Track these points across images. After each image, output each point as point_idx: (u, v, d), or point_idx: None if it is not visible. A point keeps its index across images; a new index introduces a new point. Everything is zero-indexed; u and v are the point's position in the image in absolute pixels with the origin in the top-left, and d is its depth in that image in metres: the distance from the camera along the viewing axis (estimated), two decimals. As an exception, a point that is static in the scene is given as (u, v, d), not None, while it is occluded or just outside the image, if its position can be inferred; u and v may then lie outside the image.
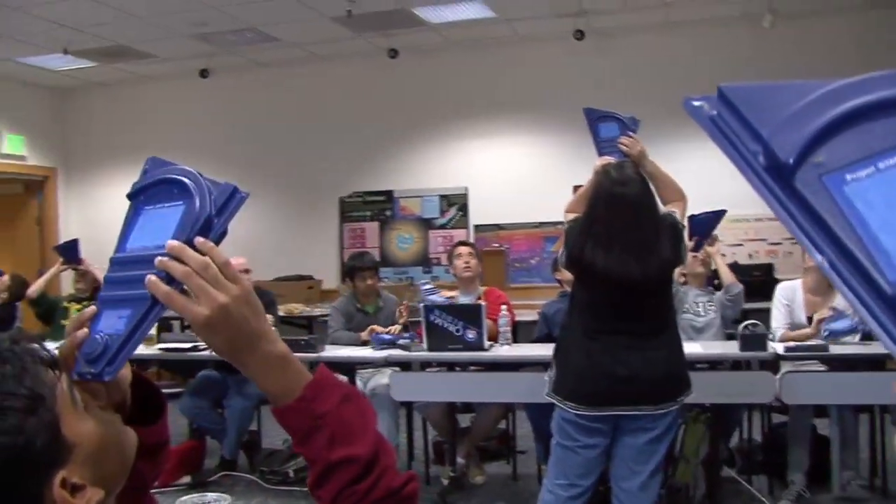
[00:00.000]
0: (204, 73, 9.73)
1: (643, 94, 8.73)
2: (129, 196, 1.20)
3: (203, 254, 1.03)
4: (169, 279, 1.03)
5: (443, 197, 9.36)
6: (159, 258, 1.03)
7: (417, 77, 9.40)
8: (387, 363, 5.47)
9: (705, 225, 6.14)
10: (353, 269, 6.47)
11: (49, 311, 7.47)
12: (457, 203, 9.30)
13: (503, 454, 6.30)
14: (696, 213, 6.24)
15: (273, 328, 1.10)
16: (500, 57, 9.15)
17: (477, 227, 9.10)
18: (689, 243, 6.03)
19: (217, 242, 1.07)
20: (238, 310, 1.03)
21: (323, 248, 9.48)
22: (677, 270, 5.98)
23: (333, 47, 9.15)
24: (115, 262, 1.14)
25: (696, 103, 0.72)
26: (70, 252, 7.40)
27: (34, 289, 7.42)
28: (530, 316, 7.30)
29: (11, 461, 0.92)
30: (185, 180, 1.12)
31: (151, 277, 1.03)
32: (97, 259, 8.02)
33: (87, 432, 1.01)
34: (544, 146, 9.13)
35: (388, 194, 9.56)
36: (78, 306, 7.24)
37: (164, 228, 1.10)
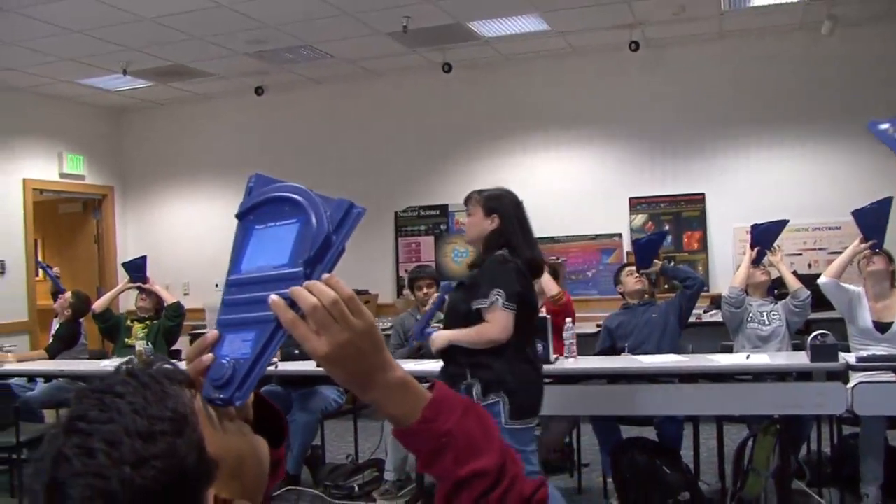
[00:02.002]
0: (259, 91, 9.82)
1: (699, 106, 8.70)
2: (238, 216, 1.17)
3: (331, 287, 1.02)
4: (291, 303, 1.02)
5: (498, 210, 9.33)
6: (293, 288, 1.01)
7: (471, 91, 9.41)
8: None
9: (767, 235, 6.09)
10: (412, 279, 6.54)
11: (113, 327, 7.55)
12: (512, 216, 9.27)
13: (566, 467, 6.28)
14: (759, 222, 6.20)
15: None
16: (553, 70, 9.14)
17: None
18: (750, 253, 6.01)
19: (336, 261, 1.06)
20: (358, 346, 1.02)
21: (379, 262, 9.51)
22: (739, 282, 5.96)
23: (387, 63, 9.20)
24: (231, 285, 1.12)
25: (883, 126, 0.71)
26: (138, 270, 7.49)
27: (100, 303, 7.51)
28: (588, 328, 7.28)
29: (169, 484, 0.92)
30: (297, 197, 1.10)
31: (275, 299, 1.02)
32: (155, 274, 8.13)
33: (226, 447, 1.02)
34: (599, 158, 9.10)
35: (443, 208, 9.57)
36: (140, 325, 7.33)
37: (279, 248, 1.08)
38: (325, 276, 1.03)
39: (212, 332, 1.10)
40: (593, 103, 9.04)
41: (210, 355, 1.07)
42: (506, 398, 3.99)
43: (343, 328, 1.01)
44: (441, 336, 4.23)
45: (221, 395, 1.03)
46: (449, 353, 4.22)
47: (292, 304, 1.02)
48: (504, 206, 4.24)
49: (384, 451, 6.09)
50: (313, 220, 1.07)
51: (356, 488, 5.96)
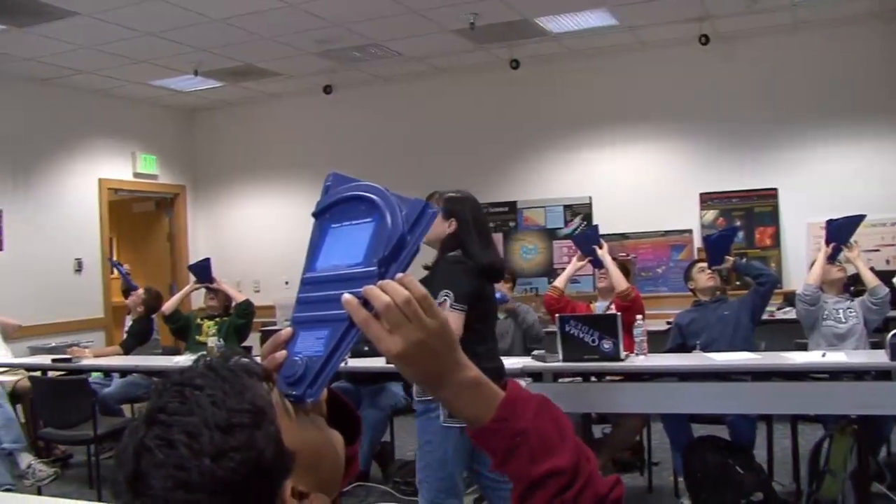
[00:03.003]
0: (328, 90, 9.90)
1: (771, 99, 8.55)
2: (315, 214, 1.18)
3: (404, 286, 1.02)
4: (365, 302, 1.02)
5: (566, 207, 9.30)
6: (366, 287, 1.02)
7: (539, 87, 9.37)
8: (522, 374, 5.45)
9: (843, 230, 5.96)
10: None
11: (183, 327, 7.67)
12: (581, 212, 9.23)
13: (636, 466, 6.21)
14: (834, 218, 6.07)
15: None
16: (622, 65, 9.05)
17: (601, 236, 9.00)
18: (826, 249, 5.89)
19: (410, 260, 1.06)
20: (431, 345, 1.03)
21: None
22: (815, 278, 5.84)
23: (455, 60, 9.21)
24: (306, 283, 1.12)
25: None
26: (203, 272, 7.59)
27: (168, 306, 7.62)
28: (658, 326, 7.20)
29: (247, 476, 0.93)
30: (373, 197, 1.10)
31: (348, 297, 1.02)
32: (225, 272, 8.25)
33: (303, 440, 1.02)
34: (669, 153, 8.99)
35: (512, 205, 9.54)
36: (211, 323, 7.44)
37: (354, 247, 1.09)
38: (399, 275, 1.03)
39: (286, 329, 1.10)
40: (662, 98, 8.94)
41: (283, 352, 1.08)
42: None
43: (416, 327, 1.01)
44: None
45: (294, 392, 1.04)
46: None
47: (366, 302, 1.02)
48: (462, 210, 4.21)
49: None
50: (388, 219, 1.07)
51: (425, 485, 5.96)
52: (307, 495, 1.00)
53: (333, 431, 1.13)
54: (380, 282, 1.02)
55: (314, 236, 1.16)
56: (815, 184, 8.38)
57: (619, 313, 5.41)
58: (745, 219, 8.61)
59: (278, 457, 0.96)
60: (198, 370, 0.99)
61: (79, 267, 9.68)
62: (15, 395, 7.12)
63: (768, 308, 6.39)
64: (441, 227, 4.17)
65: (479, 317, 4.10)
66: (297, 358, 1.06)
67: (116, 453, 0.99)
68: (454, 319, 3.95)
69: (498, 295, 5.01)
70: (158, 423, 0.95)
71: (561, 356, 5.29)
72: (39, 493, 5.97)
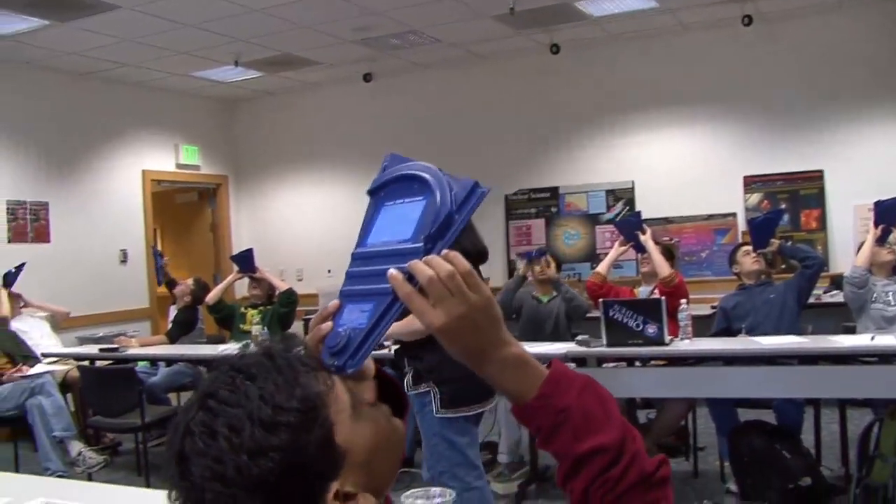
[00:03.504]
0: (367, 78, 9.91)
1: (815, 80, 8.43)
2: (370, 192, 1.20)
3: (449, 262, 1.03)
4: (410, 277, 1.03)
5: (609, 192, 9.24)
6: (411, 262, 1.03)
7: (580, 72, 9.31)
8: (566, 359, 5.43)
9: (892, 212, 5.86)
10: (531, 259, 6.55)
11: (227, 316, 7.73)
12: (623, 197, 9.17)
13: (681, 451, 6.17)
14: (882, 199, 5.97)
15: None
16: (664, 47, 8.96)
17: (644, 220, 8.93)
18: (874, 231, 5.80)
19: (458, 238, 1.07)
20: (474, 319, 1.03)
21: (489, 246, 9.40)
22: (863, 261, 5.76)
23: (495, 45, 9.16)
24: (356, 258, 1.15)
25: None
26: (245, 262, 7.63)
27: (212, 296, 7.68)
28: (703, 310, 7.14)
29: (285, 477, 0.93)
30: (426, 176, 1.12)
31: (393, 272, 1.04)
32: (268, 261, 8.30)
33: (360, 438, 1.02)
34: (712, 137, 8.89)
35: (554, 191, 9.51)
36: (254, 311, 7.49)
37: (404, 224, 1.10)
38: (444, 251, 1.04)
39: (333, 302, 1.12)
40: (705, 81, 8.83)
41: (328, 323, 1.10)
42: (436, 388, 4.07)
43: (459, 302, 1.02)
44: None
45: (335, 363, 1.06)
46: (399, 345, 4.36)
47: (411, 278, 1.03)
48: None
49: (497, 434, 6.09)
50: (438, 197, 1.08)
51: (469, 470, 5.96)
52: (353, 496, 0.99)
53: (396, 421, 1.13)
54: (425, 257, 1.03)
55: (368, 213, 1.19)
56: (862, 165, 8.25)
57: (663, 297, 5.37)
58: (790, 201, 8.50)
59: (324, 458, 0.96)
60: (256, 357, 0.99)
61: (124, 258, 9.80)
62: (65, 385, 7.23)
63: (815, 291, 6.31)
64: None
65: None
66: (340, 329, 1.08)
67: (172, 426, 1.00)
68: None
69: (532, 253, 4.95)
70: (206, 408, 0.95)
71: (605, 341, 5.27)
72: (90, 479, 6.05)
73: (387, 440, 1.08)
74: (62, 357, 7.58)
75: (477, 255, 4.32)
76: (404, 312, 1.06)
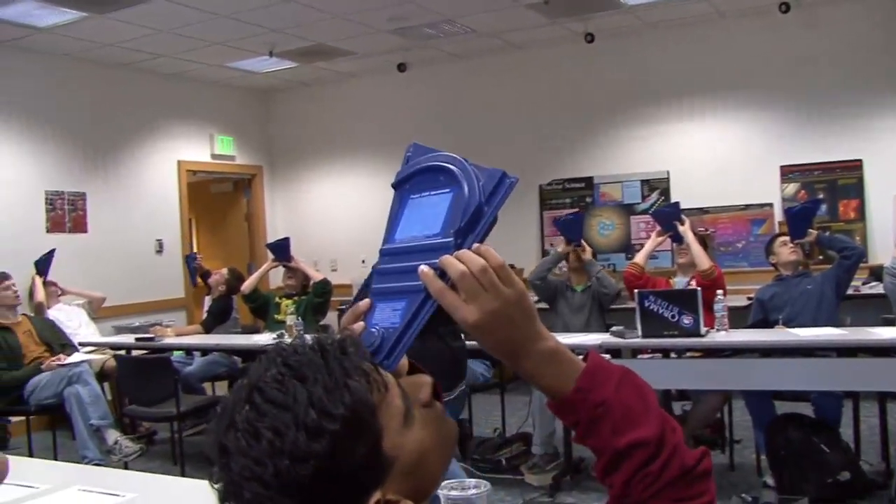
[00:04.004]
0: (401, 67, 9.91)
1: (854, 67, 8.31)
2: (394, 185, 1.17)
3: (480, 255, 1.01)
4: (441, 273, 1.01)
5: (644, 182, 9.18)
6: (442, 257, 1.01)
7: (615, 61, 9.24)
8: (600, 350, 5.39)
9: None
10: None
11: (262, 306, 7.76)
12: (658, 187, 9.10)
13: (717, 443, 6.11)
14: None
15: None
16: (699, 36, 8.87)
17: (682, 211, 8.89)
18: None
19: (488, 231, 1.05)
20: (508, 314, 1.01)
21: (523, 236, 9.46)
22: None
23: (529, 35, 9.12)
24: (385, 254, 1.12)
25: None
26: (281, 250, 7.64)
27: (247, 284, 7.72)
28: (739, 301, 7.07)
29: (325, 484, 0.91)
30: (452, 167, 1.09)
31: (424, 268, 1.02)
32: (303, 251, 8.33)
33: (410, 444, 1.00)
34: (748, 126, 8.79)
35: (588, 181, 9.46)
36: (289, 301, 7.51)
37: (432, 218, 1.08)
38: (476, 245, 1.02)
39: (364, 301, 1.10)
40: (741, 69, 8.72)
41: (361, 323, 1.08)
42: None
43: (493, 296, 1.00)
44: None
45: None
46: None
47: (443, 274, 1.01)
48: None
49: (532, 425, 6.07)
50: (466, 189, 1.06)
51: (504, 462, 5.96)
52: (396, 503, 0.97)
53: (448, 422, 1.10)
54: (456, 251, 1.01)
55: (394, 207, 1.16)
56: (903, 154, 8.13)
57: (698, 288, 5.33)
58: (828, 191, 8.40)
59: (368, 468, 0.95)
60: (309, 354, 0.97)
61: (160, 248, 9.87)
62: (102, 374, 7.30)
63: (853, 283, 6.22)
64: None
65: None
66: (373, 329, 1.06)
67: (218, 412, 1.00)
68: None
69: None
70: (253, 404, 0.94)
71: (640, 332, 5.24)
72: (126, 467, 6.10)
73: (438, 443, 1.06)
74: (99, 346, 7.66)
75: None
76: (440, 309, 1.04)
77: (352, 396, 0.94)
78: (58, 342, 7.12)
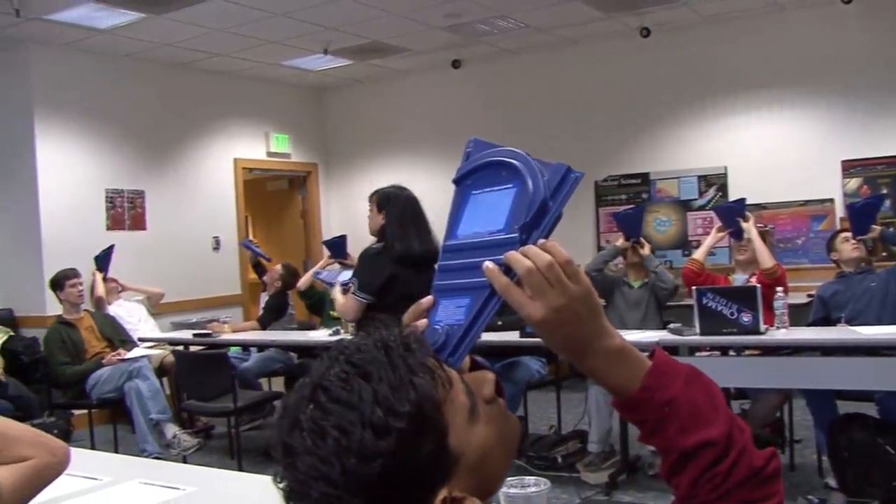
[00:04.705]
0: (456, 64, 9.91)
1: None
2: (455, 181, 1.16)
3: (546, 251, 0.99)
4: (506, 269, 1.00)
5: (701, 177, 9.06)
6: (507, 253, 1.00)
7: (671, 55, 9.13)
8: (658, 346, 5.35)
9: None
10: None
11: (318, 302, 7.81)
12: (716, 183, 8.98)
13: (776, 443, 6.02)
14: None
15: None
16: (757, 29, 8.72)
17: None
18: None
19: (553, 226, 1.04)
20: (574, 311, 0.99)
21: (579, 233, 9.39)
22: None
23: (584, 30, 9.05)
24: (447, 250, 1.11)
25: None
26: (337, 248, 7.69)
27: (303, 281, 7.78)
28: (799, 298, 6.96)
29: (391, 482, 0.91)
30: (514, 162, 1.08)
31: (489, 265, 1.01)
32: (357, 247, 8.32)
33: (476, 440, 0.99)
34: (808, 120, 8.63)
35: (644, 177, 9.37)
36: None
37: (495, 214, 1.07)
38: (541, 241, 1.01)
39: (427, 298, 1.10)
40: (801, 62, 8.56)
41: (424, 321, 1.08)
42: None
43: (559, 293, 0.98)
44: (337, 295, 5.45)
45: None
46: None
47: (507, 270, 1.00)
48: (391, 204, 4.86)
49: (587, 423, 6.03)
50: (530, 184, 1.05)
51: (559, 459, 5.93)
52: (460, 501, 0.96)
53: (511, 418, 1.09)
54: (521, 247, 1.00)
55: (455, 203, 1.15)
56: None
57: (758, 285, 5.25)
58: (891, 186, 8.21)
59: (434, 465, 0.94)
60: (373, 351, 0.96)
61: (216, 245, 9.97)
62: (161, 369, 7.40)
63: (919, 280, 6.08)
64: (376, 219, 4.90)
65: (396, 298, 4.64)
66: (437, 327, 1.05)
67: (281, 408, 0.99)
68: (352, 303, 4.82)
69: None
70: (317, 403, 0.94)
71: (698, 329, 5.17)
72: (184, 461, 6.18)
73: (503, 440, 1.04)
74: (158, 342, 7.77)
75: (405, 256, 4.71)
76: (504, 306, 1.03)
77: (417, 393, 0.93)
78: (118, 338, 7.25)
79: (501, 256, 1.01)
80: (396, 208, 4.84)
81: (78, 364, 6.84)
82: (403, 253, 4.71)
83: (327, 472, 0.90)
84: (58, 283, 7.14)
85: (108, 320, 7.47)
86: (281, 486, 0.96)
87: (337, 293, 5.71)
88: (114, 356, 6.87)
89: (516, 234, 1.02)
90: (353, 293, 4.77)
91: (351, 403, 0.91)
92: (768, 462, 1.02)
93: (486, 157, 1.13)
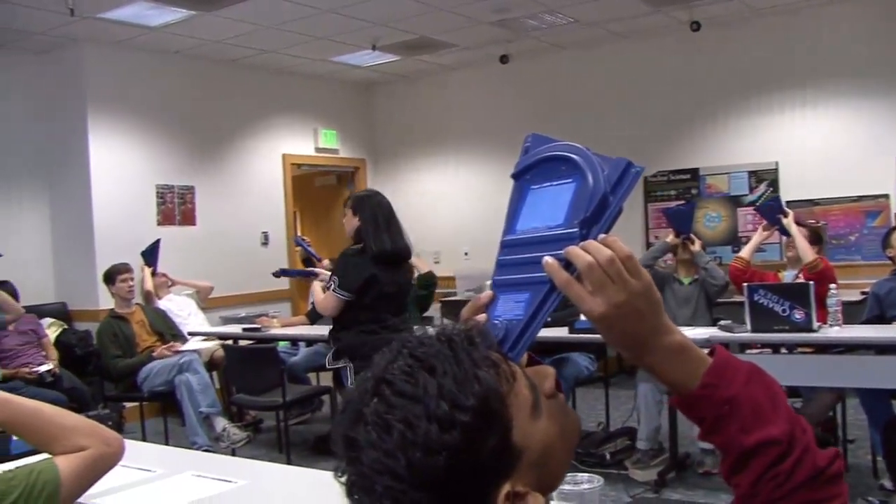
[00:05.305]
0: (504, 59, 9.88)
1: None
2: (514, 176, 1.15)
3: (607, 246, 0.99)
4: (566, 264, 0.99)
5: (751, 173, 8.95)
6: (568, 248, 0.99)
7: (721, 49, 9.02)
8: (707, 344, 5.29)
9: None
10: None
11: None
12: (766, 178, 8.85)
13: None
14: None
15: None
16: (809, 23, 8.58)
17: (789, 202, 8.62)
18: None
19: (613, 221, 1.03)
20: (635, 307, 0.98)
21: (628, 229, 9.32)
22: None
23: (633, 24, 8.98)
24: (506, 245, 1.11)
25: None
26: None
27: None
28: (852, 296, 6.85)
29: (456, 476, 0.90)
30: (574, 157, 1.07)
31: (549, 260, 1.00)
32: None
33: (539, 435, 0.98)
34: (862, 114, 8.47)
35: (694, 172, 9.27)
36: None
37: (555, 208, 1.06)
38: (602, 235, 1.00)
39: (486, 293, 1.09)
40: (854, 55, 8.41)
41: (483, 316, 1.07)
42: (350, 364, 5.07)
43: (620, 288, 0.98)
44: (317, 289, 5.71)
45: None
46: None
47: (567, 265, 1.00)
48: (364, 207, 5.12)
49: (636, 420, 5.99)
50: (590, 179, 1.04)
51: (607, 456, 5.90)
52: (523, 496, 0.95)
53: (571, 413, 1.09)
54: (582, 242, 0.99)
55: (513, 198, 1.14)
56: None
57: (811, 282, 5.18)
58: (947, 182, 8.06)
59: (498, 459, 0.93)
60: (436, 346, 0.96)
61: (265, 240, 10.05)
62: (210, 363, 7.48)
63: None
64: (352, 222, 5.13)
65: (375, 296, 5.06)
66: (496, 321, 1.05)
67: (343, 401, 0.99)
68: (333, 301, 5.07)
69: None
70: (381, 396, 0.93)
71: (749, 326, 5.12)
72: (233, 454, 6.24)
73: (564, 435, 1.03)
74: (208, 336, 7.85)
75: (380, 255, 5.03)
76: (564, 301, 1.02)
77: (482, 387, 0.92)
78: (169, 332, 7.34)
79: (561, 251, 1.00)
80: (370, 210, 5.11)
81: (129, 357, 6.94)
82: (379, 252, 5.03)
83: (392, 466, 0.89)
84: (109, 278, 7.24)
85: (159, 315, 7.56)
86: (342, 479, 0.96)
87: (317, 289, 5.99)
88: (166, 349, 6.96)
89: (576, 229, 1.02)
90: (333, 291, 5.04)
91: (416, 397, 0.91)
92: (832, 462, 1.01)
93: (545, 151, 1.13)
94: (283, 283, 10.14)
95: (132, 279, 7.33)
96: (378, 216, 5.11)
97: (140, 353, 7.01)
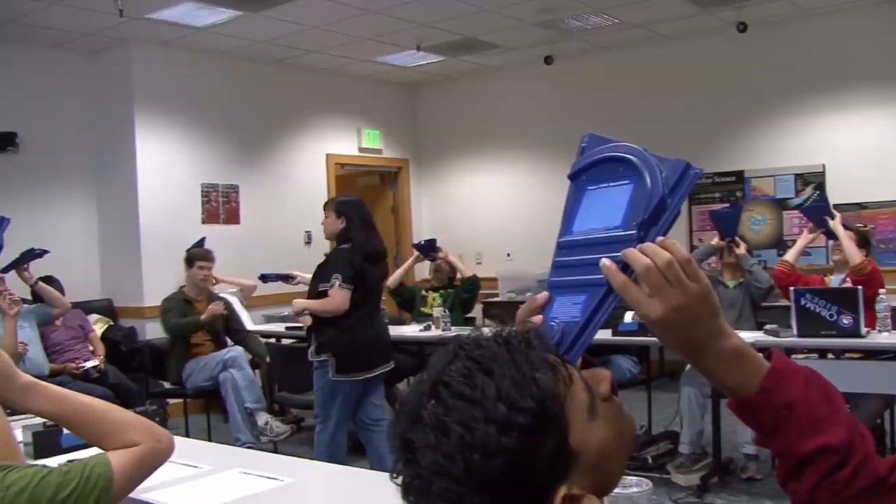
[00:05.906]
0: (548, 60, 9.84)
1: None
2: (571, 176, 1.14)
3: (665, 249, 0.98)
4: (623, 266, 0.99)
5: (797, 175, 8.85)
6: (626, 250, 0.99)
7: (768, 50, 8.93)
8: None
9: None
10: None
11: (408, 299, 7.87)
12: (813, 181, 8.75)
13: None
14: None
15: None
16: (860, 22, 8.47)
17: (836, 206, 8.50)
18: None
19: (671, 224, 1.02)
20: (693, 310, 0.98)
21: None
22: None
23: (679, 25, 8.92)
24: (562, 246, 1.10)
25: None
26: (427, 250, 7.84)
27: (393, 279, 7.82)
28: (899, 301, 6.75)
29: (514, 478, 0.90)
30: (632, 158, 1.07)
31: (606, 262, 1.00)
32: (448, 244, 8.39)
33: (595, 438, 0.98)
34: (911, 117, 8.36)
35: (739, 174, 9.18)
36: (435, 294, 7.61)
37: (612, 210, 1.05)
38: (660, 238, 1.00)
39: (542, 294, 1.09)
40: (904, 57, 8.30)
41: (539, 317, 1.07)
42: (333, 358, 5.28)
43: (678, 291, 0.97)
44: (298, 302, 5.62)
45: None
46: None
47: (625, 267, 0.99)
48: (350, 210, 5.45)
49: (679, 424, 5.95)
50: (648, 181, 1.03)
51: (649, 460, 5.87)
52: (579, 499, 0.95)
53: (628, 417, 1.08)
54: (640, 245, 0.99)
55: (570, 199, 1.14)
56: None
57: (859, 287, 5.11)
58: None
59: (555, 461, 0.93)
60: (494, 347, 0.96)
61: (308, 239, 10.10)
62: (254, 361, 7.52)
63: None
64: (335, 224, 5.43)
65: (365, 291, 5.37)
66: (553, 323, 1.04)
67: (400, 403, 0.99)
68: (342, 295, 5.26)
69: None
70: (439, 398, 0.93)
71: (796, 331, 5.07)
72: (275, 449, 6.29)
73: (619, 438, 1.03)
74: (251, 334, 7.90)
75: (372, 253, 5.41)
76: (607, 302, 1.02)
77: (540, 390, 0.92)
78: (234, 326, 7.44)
79: (619, 253, 1.00)
80: (356, 213, 5.47)
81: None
82: (372, 250, 5.43)
83: (450, 468, 0.90)
84: (190, 260, 7.31)
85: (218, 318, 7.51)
86: (398, 481, 0.96)
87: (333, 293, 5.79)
88: (215, 307, 7.00)
89: (634, 231, 1.01)
90: (339, 286, 5.26)
91: (474, 399, 0.91)
92: (893, 470, 0.99)
93: (601, 152, 1.12)
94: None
95: (209, 268, 7.36)
96: (365, 219, 5.49)
97: (193, 347, 7.04)
